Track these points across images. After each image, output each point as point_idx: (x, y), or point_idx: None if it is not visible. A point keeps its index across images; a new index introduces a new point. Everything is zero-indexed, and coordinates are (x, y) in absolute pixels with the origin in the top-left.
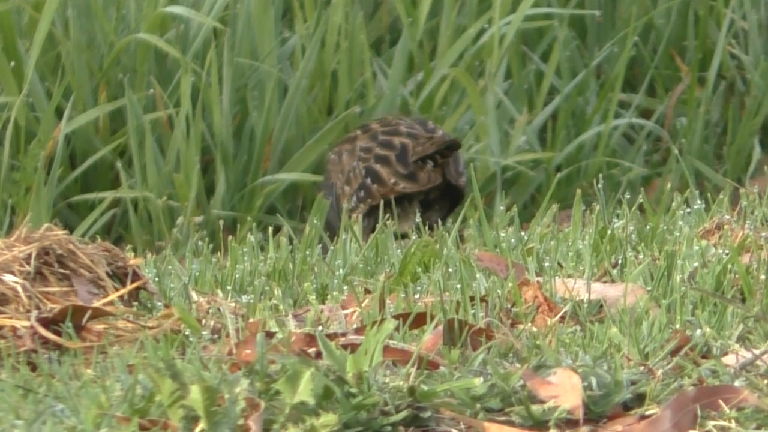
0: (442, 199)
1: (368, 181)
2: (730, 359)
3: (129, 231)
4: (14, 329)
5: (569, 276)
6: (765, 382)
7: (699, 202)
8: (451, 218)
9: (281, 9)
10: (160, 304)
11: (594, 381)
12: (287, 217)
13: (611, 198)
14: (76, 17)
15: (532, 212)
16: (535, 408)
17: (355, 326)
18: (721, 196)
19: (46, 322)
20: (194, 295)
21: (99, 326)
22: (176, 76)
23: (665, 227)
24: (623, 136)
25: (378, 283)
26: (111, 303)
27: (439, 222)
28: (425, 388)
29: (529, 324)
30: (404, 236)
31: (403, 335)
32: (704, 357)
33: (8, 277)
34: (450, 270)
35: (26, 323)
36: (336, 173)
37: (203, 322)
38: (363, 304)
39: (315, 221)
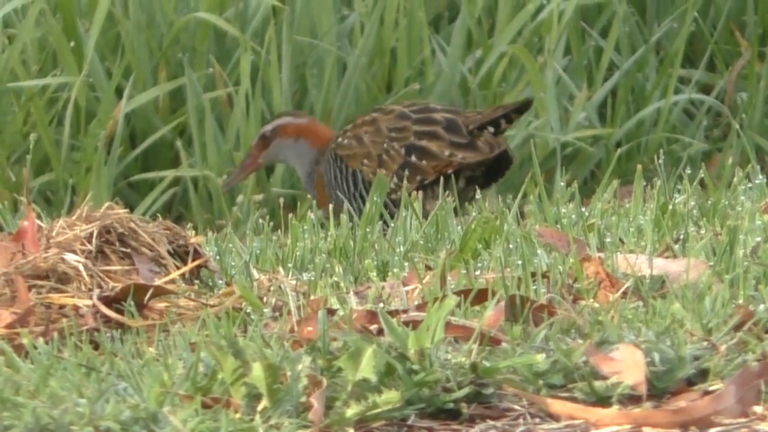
0: (485, 175)
1: (413, 158)
2: None
3: (189, 210)
4: (76, 308)
5: (631, 251)
6: None
7: (760, 176)
8: (511, 194)
9: None
10: (221, 282)
11: (657, 357)
12: None
13: (672, 173)
14: None
15: (592, 188)
16: (598, 384)
17: (416, 303)
18: None
19: (108, 301)
20: (255, 273)
21: (161, 304)
22: (235, 54)
23: (727, 202)
24: (683, 112)
25: (439, 259)
26: (172, 281)
27: (499, 198)
28: (487, 364)
29: (591, 300)
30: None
31: (465, 312)
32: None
33: (70, 256)
34: (511, 246)
35: (88, 302)
36: (358, 160)
37: (264, 299)
38: (424, 281)
39: (375, 198)
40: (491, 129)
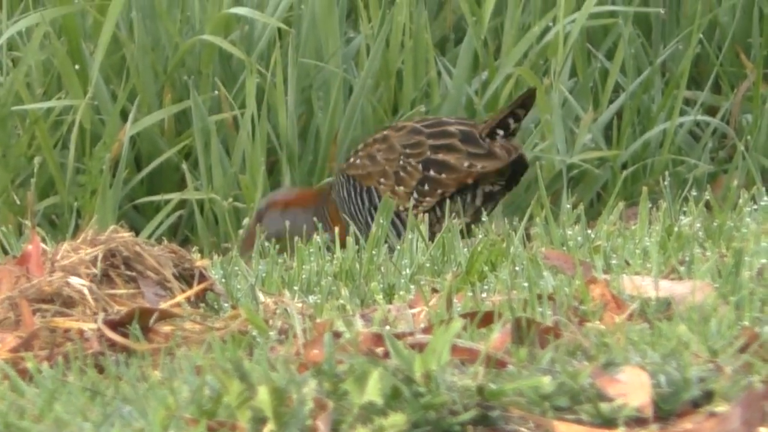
0: (503, 189)
1: (431, 173)
2: None
3: (195, 233)
4: (81, 332)
5: (637, 273)
6: None
7: (766, 198)
8: (518, 216)
9: (346, 9)
10: (227, 305)
11: (663, 378)
12: None
13: (678, 195)
14: (141, 19)
15: (598, 210)
16: (604, 406)
17: (422, 325)
18: None
19: (113, 325)
20: (261, 296)
21: (166, 328)
22: (241, 77)
23: (732, 224)
24: (689, 134)
25: (445, 282)
26: (178, 304)
27: (505, 220)
28: (493, 387)
29: (597, 322)
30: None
31: (471, 334)
32: None
33: (75, 280)
34: (517, 268)
35: (93, 326)
36: (374, 177)
37: (270, 322)
38: (430, 304)
39: (381, 221)
40: (501, 132)
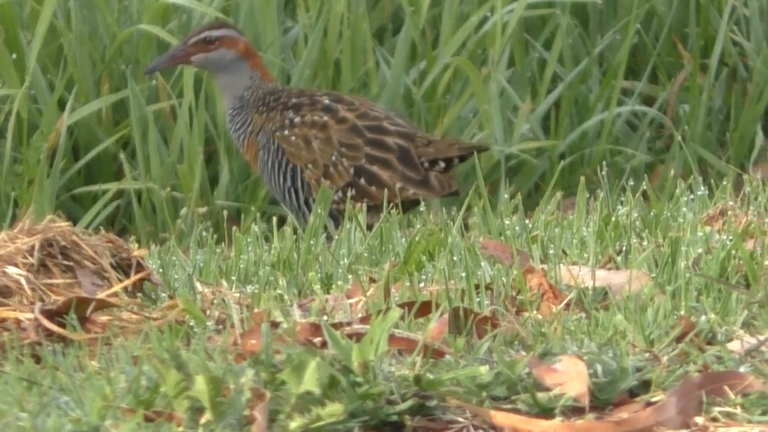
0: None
1: (362, 181)
2: (734, 345)
3: (133, 222)
4: (18, 321)
5: (574, 263)
6: None
7: (702, 188)
8: (456, 207)
9: None
10: (164, 295)
11: (599, 368)
12: None
13: (615, 185)
14: (78, 9)
15: (536, 200)
16: (541, 395)
17: (360, 315)
18: (724, 183)
19: (50, 314)
20: (199, 286)
21: (103, 318)
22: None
23: (669, 214)
24: (626, 124)
25: (383, 272)
26: (115, 294)
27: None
28: (431, 376)
29: (535, 311)
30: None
31: (409, 324)
32: (709, 343)
33: (11, 270)
34: (455, 258)
35: (30, 315)
36: (303, 159)
37: (208, 312)
38: (368, 293)
39: (319, 211)
40: (443, 165)
